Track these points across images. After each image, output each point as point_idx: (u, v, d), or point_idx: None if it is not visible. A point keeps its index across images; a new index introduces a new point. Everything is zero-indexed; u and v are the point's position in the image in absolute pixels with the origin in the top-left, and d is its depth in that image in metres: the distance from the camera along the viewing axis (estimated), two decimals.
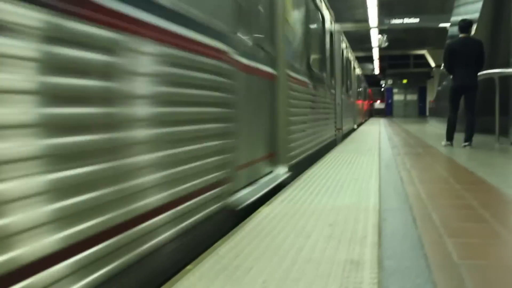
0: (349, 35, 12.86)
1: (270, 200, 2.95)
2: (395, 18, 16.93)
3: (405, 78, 34.40)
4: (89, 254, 1.27)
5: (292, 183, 3.66)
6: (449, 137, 6.93)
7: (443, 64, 6.99)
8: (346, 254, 1.82)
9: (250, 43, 3.06)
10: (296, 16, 4.73)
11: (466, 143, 6.61)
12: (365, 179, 3.70)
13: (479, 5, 9.37)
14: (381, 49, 25.54)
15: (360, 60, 21.70)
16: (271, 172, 3.71)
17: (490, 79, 7.07)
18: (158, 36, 1.67)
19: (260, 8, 3.36)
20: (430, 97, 28.44)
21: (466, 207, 2.65)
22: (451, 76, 6.98)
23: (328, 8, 7.46)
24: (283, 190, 3.32)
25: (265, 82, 3.51)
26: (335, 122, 8.31)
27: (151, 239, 1.66)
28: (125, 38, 1.44)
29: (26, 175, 1.04)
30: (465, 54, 6.57)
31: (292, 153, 4.20)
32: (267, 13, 3.54)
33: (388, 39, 20.74)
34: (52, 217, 1.13)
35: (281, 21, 3.75)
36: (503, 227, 2.21)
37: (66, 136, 1.16)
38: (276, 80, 3.75)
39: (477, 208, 2.60)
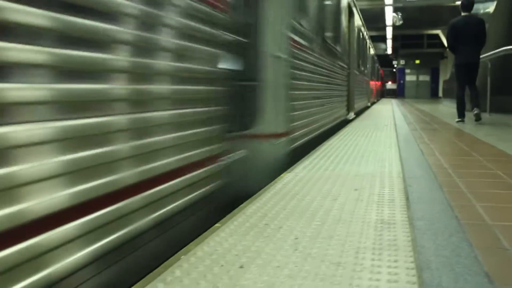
0: (363, 14, 12.62)
1: (292, 167, 2.93)
2: None
3: (417, 59, 33.93)
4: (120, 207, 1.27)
5: (312, 151, 3.63)
6: (460, 113, 6.99)
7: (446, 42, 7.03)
8: (376, 215, 1.80)
9: None
10: None
11: (476, 110, 6.67)
12: (385, 151, 3.66)
13: None
14: (394, 29, 25.14)
15: (373, 39, 21.43)
16: None
17: (507, 57, 6.97)
18: None
19: None
20: (443, 78, 28.09)
21: (492, 176, 2.62)
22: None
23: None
24: (304, 158, 3.30)
25: None
26: (347, 101, 8.06)
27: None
28: None
29: (33, 120, 0.98)
30: (467, 32, 6.68)
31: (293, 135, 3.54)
32: None
33: (402, 18, 20.42)
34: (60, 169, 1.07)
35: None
36: None
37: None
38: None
39: (503, 177, 2.56)
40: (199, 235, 1.59)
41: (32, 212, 0.98)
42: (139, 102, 1.37)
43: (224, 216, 1.84)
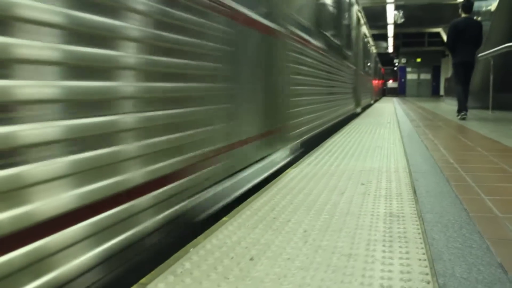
0: (365, 12, 12.65)
1: (297, 163, 2.92)
2: None
3: (419, 57, 33.86)
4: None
5: (316, 148, 3.62)
6: (462, 107, 7.18)
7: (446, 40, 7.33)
8: (384, 208, 1.79)
9: None
10: None
11: (463, 113, 7.04)
12: (389, 147, 3.65)
13: None
14: (395, 27, 25.08)
15: (374, 37, 21.40)
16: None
17: (509, 54, 6.96)
18: None
19: None
20: (444, 76, 28.04)
21: (498, 170, 2.60)
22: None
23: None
24: (308, 154, 3.29)
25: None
26: (355, 97, 8.80)
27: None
28: None
29: (43, 119, 0.96)
30: (468, 33, 7.00)
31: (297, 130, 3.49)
32: None
33: (404, 16, 20.38)
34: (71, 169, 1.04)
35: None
36: None
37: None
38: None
39: (510, 171, 2.55)
40: None
41: (38, 214, 0.96)
42: None
43: None
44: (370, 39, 14.31)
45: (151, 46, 1.37)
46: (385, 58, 34.70)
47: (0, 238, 0.87)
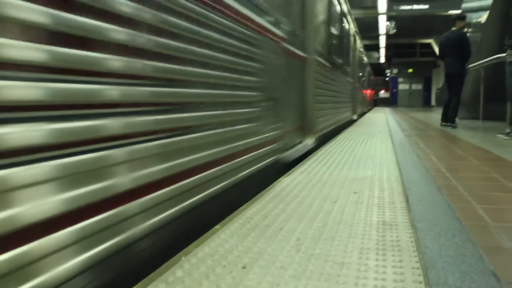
0: (357, 22, 12.80)
1: (290, 172, 2.91)
2: (404, 5, 16.78)
3: (410, 67, 34.13)
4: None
5: (309, 157, 3.62)
6: (444, 116, 7.72)
7: None
8: (377, 216, 1.79)
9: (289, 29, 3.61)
10: (331, 18, 6.22)
11: (446, 123, 7.53)
12: (382, 156, 3.66)
13: None
14: (387, 38, 25.30)
15: (366, 48, 21.56)
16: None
17: (498, 66, 7.02)
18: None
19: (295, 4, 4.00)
20: (435, 87, 28.23)
21: (489, 179, 2.61)
22: None
23: (353, 21, 10.38)
24: (300, 164, 3.28)
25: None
26: (353, 106, 10.53)
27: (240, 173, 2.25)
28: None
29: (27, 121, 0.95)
30: (447, 46, 7.49)
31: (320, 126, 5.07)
32: (299, 7, 4.17)
33: (396, 27, 20.56)
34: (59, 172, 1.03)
35: (312, 16, 4.60)
36: None
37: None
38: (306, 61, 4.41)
39: (501, 180, 2.56)
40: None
41: (22, 218, 0.94)
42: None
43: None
44: (364, 56, 16.72)
45: (245, 71, 2.37)
46: (377, 68, 34.94)
47: None
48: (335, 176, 2.73)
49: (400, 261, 1.29)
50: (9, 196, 0.90)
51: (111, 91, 1.18)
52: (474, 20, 10.46)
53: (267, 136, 2.75)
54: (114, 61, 1.19)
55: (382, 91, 38.61)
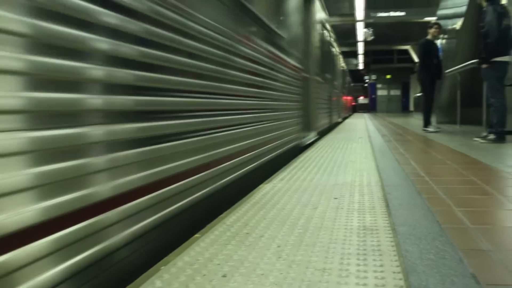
0: (335, 30, 12.94)
1: (270, 178, 2.91)
2: (381, 12, 17.00)
3: (388, 74, 34.55)
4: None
5: (289, 163, 3.63)
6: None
7: None
8: (358, 221, 1.79)
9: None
10: (321, 45, 8.10)
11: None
12: (361, 161, 3.68)
13: None
14: (366, 44, 25.58)
15: (345, 54, 21.76)
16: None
17: (474, 71, 7.15)
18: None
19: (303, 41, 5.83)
20: (413, 92, 28.61)
21: (467, 182, 2.64)
22: None
23: (338, 46, 13.19)
24: (281, 170, 3.28)
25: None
26: (339, 110, 13.05)
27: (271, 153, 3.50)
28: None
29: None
30: (419, 53, 7.95)
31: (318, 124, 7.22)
32: (306, 45, 6.13)
33: (373, 34, 20.80)
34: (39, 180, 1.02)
35: (312, 48, 6.44)
36: (506, 198, 2.21)
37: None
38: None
39: (479, 183, 2.59)
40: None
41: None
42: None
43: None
44: (345, 69, 19.45)
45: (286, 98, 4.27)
46: (356, 75, 35.29)
47: None
48: (315, 182, 2.73)
49: (381, 265, 1.29)
50: None
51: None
52: (450, 27, 10.63)
53: (297, 129, 4.76)
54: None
55: (361, 97, 38.95)
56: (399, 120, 13.99)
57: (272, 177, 2.97)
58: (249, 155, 2.77)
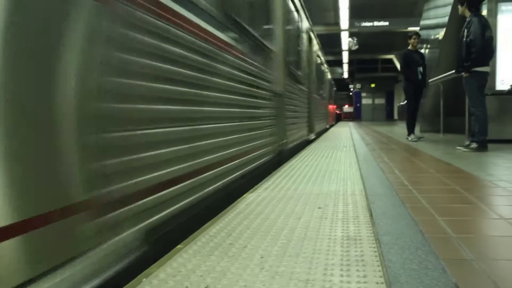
0: (320, 39, 13.09)
1: (254, 187, 2.89)
2: (365, 21, 17.22)
3: (373, 82, 34.88)
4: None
5: (273, 173, 3.62)
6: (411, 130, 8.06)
7: None
8: (341, 231, 1.79)
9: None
10: (313, 60, 9.96)
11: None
12: (346, 170, 3.69)
13: (448, 9, 9.52)
14: (350, 53, 25.83)
15: (330, 63, 21.96)
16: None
17: (456, 80, 7.25)
18: None
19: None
20: (397, 101, 28.91)
21: (450, 191, 2.66)
22: None
23: (323, 55, 14.49)
24: (265, 179, 3.27)
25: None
26: (326, 118, 15.02)
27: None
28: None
29: None
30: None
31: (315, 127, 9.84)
32: (308, 71, 8.76)
33: (358, 43, 21.02)
34: None
35: (306, 64, 8.25)
36: (488, 207, 2.23)
37: None
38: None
39: (461, 192, 2.61)
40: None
41: None
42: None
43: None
44: (330, 77, 20.42)
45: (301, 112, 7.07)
46: (341, 84, 35.56)
47: None
48: (299, 191, 2.73)
49: (365, 276, 1.29)
50: None
51: None
52: (432, 37, 10.78)
53: (306, 129, 6.78)
54: None
55: (346, 106, 39.23)
56: (384, 129, 14.11)
57: (257, 186, 2.96)
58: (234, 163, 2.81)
